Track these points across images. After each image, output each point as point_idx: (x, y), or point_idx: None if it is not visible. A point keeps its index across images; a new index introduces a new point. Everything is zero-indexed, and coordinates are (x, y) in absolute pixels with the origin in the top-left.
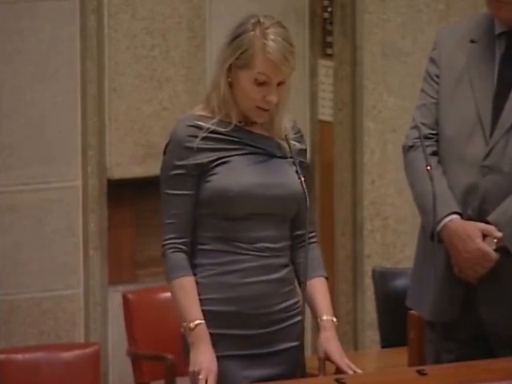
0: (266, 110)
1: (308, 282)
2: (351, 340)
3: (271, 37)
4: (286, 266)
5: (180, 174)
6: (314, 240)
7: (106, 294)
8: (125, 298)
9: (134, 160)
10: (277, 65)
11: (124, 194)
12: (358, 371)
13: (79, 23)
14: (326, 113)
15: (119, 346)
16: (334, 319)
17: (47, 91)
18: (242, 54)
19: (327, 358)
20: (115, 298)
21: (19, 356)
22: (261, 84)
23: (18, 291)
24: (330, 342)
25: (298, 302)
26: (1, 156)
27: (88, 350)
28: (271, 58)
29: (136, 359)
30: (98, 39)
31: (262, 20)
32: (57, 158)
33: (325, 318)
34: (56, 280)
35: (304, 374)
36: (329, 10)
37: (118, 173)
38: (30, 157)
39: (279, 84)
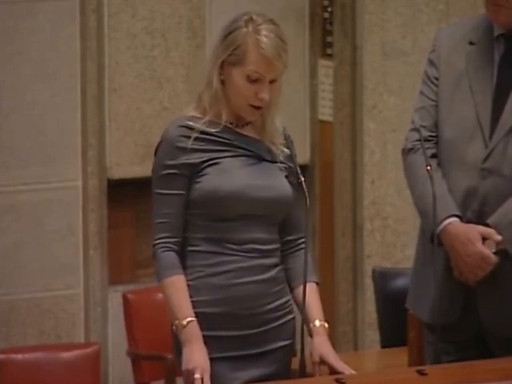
0: (258, 108)
1: (300, 289)
2: (351, 340)
3: (264, 33)
4: (276, 265)
5: (171, 173)
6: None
7: (106, 293)
8: (125, 298)
9: (134, 160)
10: (270, 61)
11: (124, 194)
12: (354, 373)
13: (79, 23)
14: (325, 113)
15: (119, 346)
16: (326, 324)
17: (47, 91)
18: (234, 50)
19: (322, 361)
20: (115, 298)
21: (19, 356)
22: (253, 81)
23: (17, 291)
24: (324, 345)
25: (288, 301)
26: (1, 156)
27: (88, 350)
28: (265, 53)
29: (136, 359)
30: (98, 39)
31: (254, 17)
32: (57, 158)
33: (317, 323)
34: (56, 280)
35: (304, 374)
36: (329, 10)
37: (118, 173)
38: (30, 157)
39: (271, 82)
